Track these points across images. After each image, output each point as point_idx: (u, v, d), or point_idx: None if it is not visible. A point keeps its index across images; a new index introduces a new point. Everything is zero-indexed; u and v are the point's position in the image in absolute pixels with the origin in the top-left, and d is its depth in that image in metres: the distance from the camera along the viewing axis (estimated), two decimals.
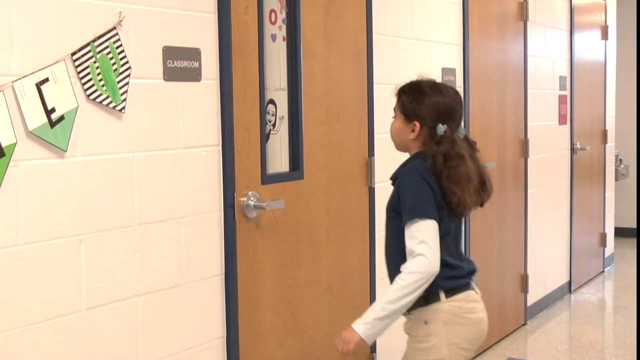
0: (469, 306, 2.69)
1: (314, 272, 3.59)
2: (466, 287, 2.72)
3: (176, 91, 2.83)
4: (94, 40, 2.54)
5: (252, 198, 3.16)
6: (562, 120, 6.42)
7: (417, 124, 2.69)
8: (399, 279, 2.57)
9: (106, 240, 2.60)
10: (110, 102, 2.59)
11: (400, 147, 2.81)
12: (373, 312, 2.61)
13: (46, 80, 2.40)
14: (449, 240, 2.69)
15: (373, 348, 3.95)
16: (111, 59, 2.59)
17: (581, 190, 6.84)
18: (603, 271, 7.49)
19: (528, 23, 5.68)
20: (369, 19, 3.86)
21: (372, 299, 3.93)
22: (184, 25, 2.85)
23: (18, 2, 2.34)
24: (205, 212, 2.96)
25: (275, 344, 3.36)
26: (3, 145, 2.28)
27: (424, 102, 2.68)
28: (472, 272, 2.76)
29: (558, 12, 6.36)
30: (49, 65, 2.41)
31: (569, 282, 6.64)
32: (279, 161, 3.42)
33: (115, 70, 2.60)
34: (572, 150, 6.61)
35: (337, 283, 3.73)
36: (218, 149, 3.00)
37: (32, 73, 2.37)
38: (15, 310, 2.35)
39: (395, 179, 2.72)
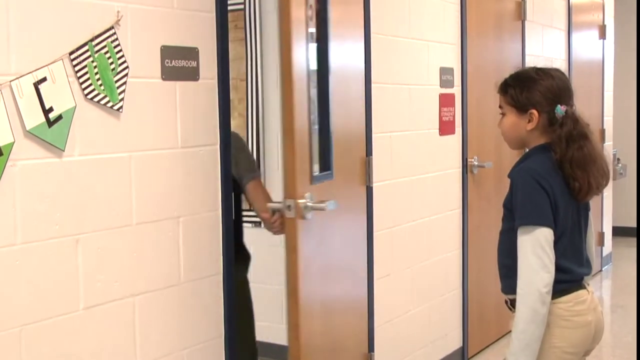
0: (576, 308, 2.59)
1: None
2: (576, 287, 2.62)
3: (174, 90, 2.82)
4: (91, 40, 2.54)
5: None
6: None
7: (535, 112, 2.60)
8: (519, 303, 2.52)
9: (104, 239, 2.60)
10: (108, 102, 2.59)
11: (517, 143, 2.71)
12: (514, 346, 2.53)
13: (44, 79, 2.39)
14: (565, 242, 2.59)
15: (371, 347, 3.95)
16: (109, 58, 2.59)
17: None
18: (601, 270, 7.49)
19: (526, 22, 5.68)
20: (366, 18, 3.85)
21: (370, 299, 3.93)
22: (182, 25, 2.85)
23: (15, 2, 2.33)
24: (204, 212, 2.96)
25: None
26: (1, 144, 2.28)
27: (536, 88, 2.60)
28: (584, 274, 2.66)
29: (556, 11, 6.36)
30: (46, 65, 2.40)
31: None
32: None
33: (113, 69, 2.60)
34: None
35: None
36: (216, 148, 3.00)
37: (30, 72, 2.37)
38: (13, 309, 2.35)
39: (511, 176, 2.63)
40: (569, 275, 2.60)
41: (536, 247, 2.49)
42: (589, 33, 7.20)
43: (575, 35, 6.70)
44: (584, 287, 2.65)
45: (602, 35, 7.50)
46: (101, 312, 2.60)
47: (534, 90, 2.61)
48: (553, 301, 2.55)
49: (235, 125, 4.71)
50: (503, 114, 2.72)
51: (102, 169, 2.59)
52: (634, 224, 8.35)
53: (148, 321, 2.76)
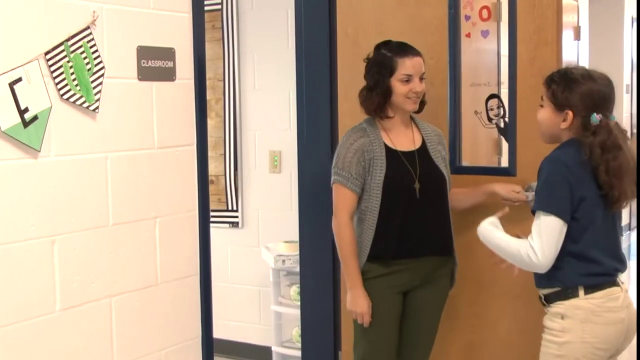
0: (609, 304, 2.61)
1: None
2: (610, 283, 2.63)
3: (150, 91, 2.82)
4: (67, 40, 2.53)
5: None
6: None
7: (570, 113, 2.62)
8: (514, 241, 2.65)
9: (80, 240, 2.59)
10: (84, 102, 2.58)
11: (548, 137, 2.74)
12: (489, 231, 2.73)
13: (19, 79, 2.38)
14: (594, 232, 2.62)
15: (338, 346, 3.95)
16: (85, 58, 2.58)
17: None
18: None
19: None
20: (333, 16, 3.82)
21: None
22: (159, 25, 2.84)
23: None
24: (181, 212, 2.96)
25: None
26: None
27: (577, 91, 2.63)
28: (617, 269, 2.68)
29: None
30: (22, 65, 2.39)
31: None
32: None
33: (89, 70, 2.59)
34: None
35: None
36: (193, 149, 3.00)
37: (5, 72, 2.35)
38: None
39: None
40: (601, 268, 2.62)
41: (543, 233, 2.56)
42: (563, 34, 7.25)
43: None
44: (619, 285, 2.67)
45: (577, 36, 7.56)
46: (78, 314, 2.59)
47: (574, 93, 2.64)
48: (586, 296, 2.59)
49: (212, 125, 4.71)
50: (542, 105, 2.74)
51: (78, 170, 2.58)
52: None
53: (125, 322, 2.76)
